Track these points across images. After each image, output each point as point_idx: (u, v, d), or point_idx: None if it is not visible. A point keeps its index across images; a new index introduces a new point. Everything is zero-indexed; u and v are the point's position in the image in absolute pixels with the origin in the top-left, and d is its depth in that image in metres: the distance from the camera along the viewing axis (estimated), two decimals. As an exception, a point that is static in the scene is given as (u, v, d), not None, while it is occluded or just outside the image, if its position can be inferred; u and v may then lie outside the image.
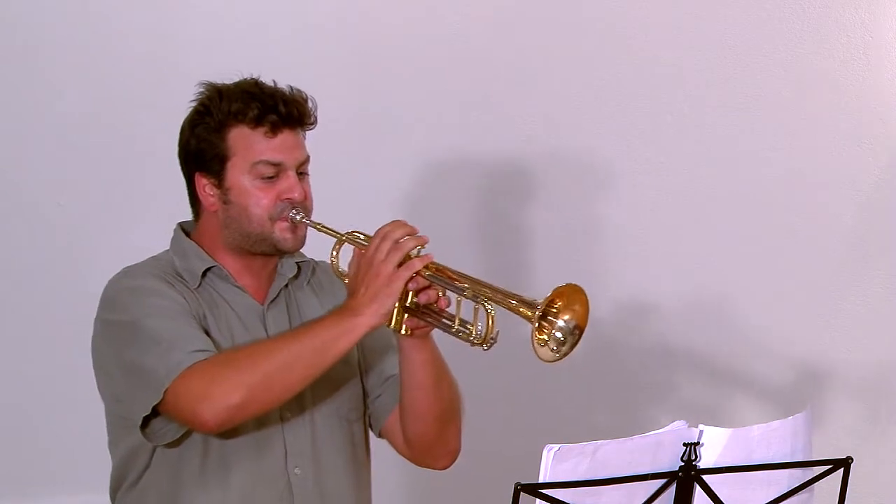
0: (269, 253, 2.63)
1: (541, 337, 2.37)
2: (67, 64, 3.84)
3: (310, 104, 2.62)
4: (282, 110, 2.57)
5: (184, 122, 2.65)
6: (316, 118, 2.63)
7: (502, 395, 3.99)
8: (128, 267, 2.66)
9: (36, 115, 3.85)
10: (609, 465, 2.16)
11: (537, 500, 2.15)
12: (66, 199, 3.88)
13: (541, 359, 2.37)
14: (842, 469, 2.30)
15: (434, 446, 2.70)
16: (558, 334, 2.38)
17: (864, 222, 4.03)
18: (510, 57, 3.98)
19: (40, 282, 3.90)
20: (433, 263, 2.47)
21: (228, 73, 2.68)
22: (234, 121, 2.58)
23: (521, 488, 2.13)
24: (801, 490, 2.30)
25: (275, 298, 2.67)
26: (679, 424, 2.22)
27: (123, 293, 2.60)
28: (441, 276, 2.47)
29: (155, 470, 2.61)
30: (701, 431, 2.22)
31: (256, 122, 2.57)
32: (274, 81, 2.62)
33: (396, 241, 2.46)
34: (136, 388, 2.52)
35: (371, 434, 2.78)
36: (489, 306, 2.41)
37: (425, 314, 2.50)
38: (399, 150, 3.96)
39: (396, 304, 2.47)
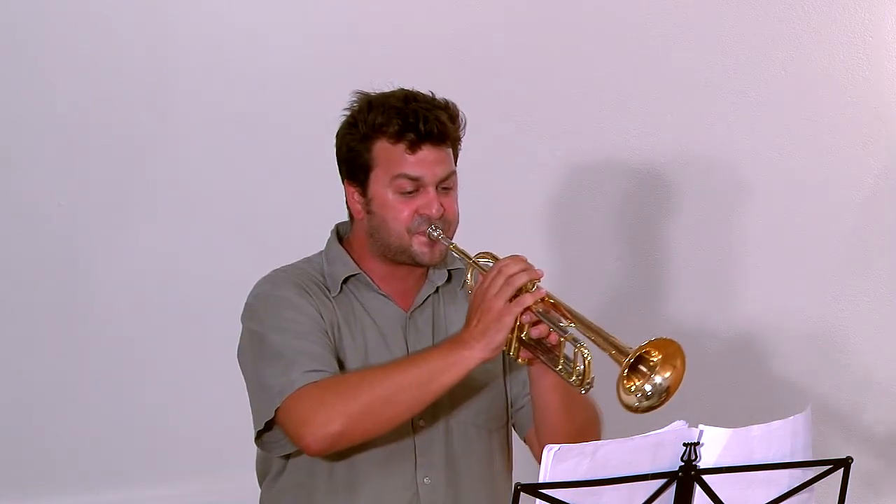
0: (410, 264, 2.64)
1: (628, 385, 2.38)
2: (67, 64, 3.84)
3: (459, 121, 2.63)
4: (421, 128, 2.57)
5: (338, 130, 2.67)
6: (462, 134, 2.64)
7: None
8: (275, 270, 2.68)
9: (36, 115, 3.85)
10: (609, 465, 2.16)
11: (537, 500, 2.15)
12: (66, 199, 3.88)
13: (623, 404, 2.37)
14: (842, 469, 2.29)
15: None
16: (648, 388, 2.39)
17: (865, 222, 4.04)
18: (509, 57, 3.98)
19: (40, 282, 3.90)
20: (547, 298, 2.47)
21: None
22: (378, 133, 2.59)
23: (521, 488, 2.13)
24: (801, 490, 2.30)
25: (420, 305, 2.68)
26: (679, 424, 2.22)
27: (260, 301, 2.63)
28: (550, 313, 2.47)
29: (289, 475, 2.65)
30: (701, 431, 2.21)
31: (397, 138, 2.58)
32: (431, 93, 2.63)
33: (510, 276, 2.46)
34: (256, 400, 2.57)
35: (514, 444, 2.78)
36: (586, 351, 2.42)
37: (536, 348, 2.51)
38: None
39: (513, 335, 2.48)
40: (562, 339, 2.46)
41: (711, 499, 2.23)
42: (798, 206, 4.05)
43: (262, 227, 3.91)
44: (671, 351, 2.38)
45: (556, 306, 2.48)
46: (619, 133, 4.01)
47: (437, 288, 2.70)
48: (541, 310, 2.47)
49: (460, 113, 2.64)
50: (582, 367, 2.43)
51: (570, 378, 2.46)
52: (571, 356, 2.46)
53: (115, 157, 3.88)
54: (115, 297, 3.92)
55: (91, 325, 3.92)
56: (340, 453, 2.58)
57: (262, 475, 2.72)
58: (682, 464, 2.21)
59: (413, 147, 2.57)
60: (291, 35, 3.88)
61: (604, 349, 2.39)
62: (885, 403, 4.09)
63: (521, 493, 2.13)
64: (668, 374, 2.39)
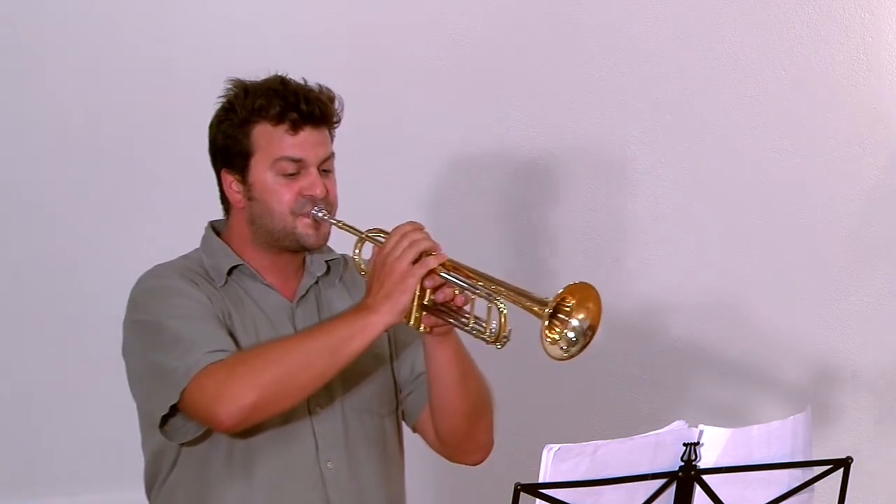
0: (295, 249, 2.63)
1: (551, 335, 2.36)
2: (68, 64, 3.84)
3: (336, 103, 2.63)
4: (303, 108, 2.58)
5: (212, 120, 2.67)
6: (340, 117, 2.64)
7: (502, 396, 3.98)
8: (156, 266, 2.68)
9: (36, 115, 3.85)
10: (609, 465, 2.17)
11: (537, 500, 2.15)
12: (66, 199, 3.88)
13: (550, 356, 2.37)
14: (842, 469, 2.30)
15: (464, 442, 2.70)
16: (570, 334, 2.38)
17: (865, 222, 4.04)
18: (512, 57, 3.98)
19: (40, 282, 3.90)
20: (450, 261, 2.47)
21: (236, 74, 2.68)
22: (258, 117, 2.60)
23: (521, 488, 2.13)
24: (801, 490, 2.30)
25: (304, 295, 2.67)
26: (679, 424, 2.22)
27: (148, 293, 2.63)
28: (456, 273, 2.46)
29: (182, 467, 2.63)
30: (701, 431, 2.22)
31: (278, 119, 2.58)
32: (304, 80, 2.63)
33: (413, 240, 2.47)
34: (156, 388, 2.54)
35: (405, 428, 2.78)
36: (501, 305, 2.41)
37: (442, 312, 2.49)
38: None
39: (414, 302, 2.47)
40: (472, 298, 2.45)
41: (711, 499, 2.23)
42: (798, 206, 4.05)
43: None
44: (585, 294, 2.37)
45: (459, 268, 2.46)
46: (620, 132, 4.01)
47: (317, 279, 2.69)
48: (445, 272, 2.45)
49: (337, 96, 2.64)
50: (496, 322, 2.41)
51: (483, 335, 2.44)
52: (482, 316, 2.44)
53: (114, 157, 3.88)
54: (115, 297, 3.92)
55: (91, 325, 3.92)
56: (236, 441, 2.56)
57: (151, 481, 2.69)
58: (682, 464, 2.21)
59: (295, 127, 2.58)
60: (291, 35, 3.88)
61: (518, 303, 2.38)
62: (885, 403, 4.09)
63: (521, 493, 2.13)
64: (583, 316, 2.37)
